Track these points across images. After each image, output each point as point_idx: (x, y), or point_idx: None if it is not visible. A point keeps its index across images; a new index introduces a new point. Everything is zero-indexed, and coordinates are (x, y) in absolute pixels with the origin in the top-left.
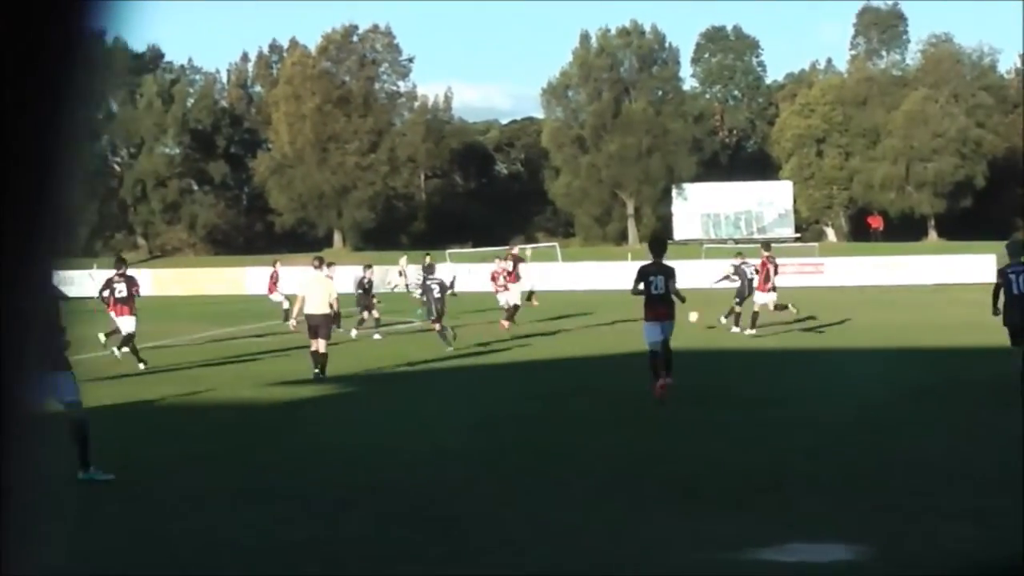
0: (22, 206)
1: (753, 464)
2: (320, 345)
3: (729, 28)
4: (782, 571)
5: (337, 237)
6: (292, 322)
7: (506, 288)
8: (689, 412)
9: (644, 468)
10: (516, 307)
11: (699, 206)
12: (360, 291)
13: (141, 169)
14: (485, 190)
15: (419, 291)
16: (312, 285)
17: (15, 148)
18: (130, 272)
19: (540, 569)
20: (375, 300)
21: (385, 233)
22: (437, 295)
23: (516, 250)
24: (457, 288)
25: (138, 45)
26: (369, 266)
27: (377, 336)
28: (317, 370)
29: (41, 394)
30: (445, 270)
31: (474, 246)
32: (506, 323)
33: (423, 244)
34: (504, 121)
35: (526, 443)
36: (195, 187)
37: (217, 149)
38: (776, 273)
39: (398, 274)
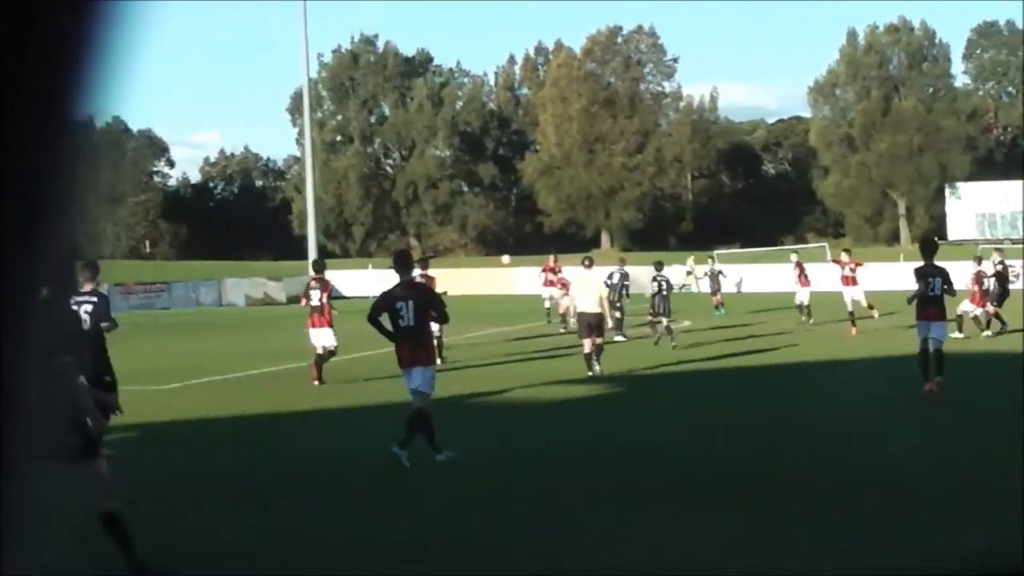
0: (19, 214)
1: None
2: (594, 343)
3: (1002, 23)
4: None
5: (605, 237)
6: (572, 321)
7: (806, 282)
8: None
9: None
10: (852, 311)
11: (974, 205)
12: (612, 289)
13: (413, 171)
14: (752, 190)
15: (656, 285)
16: (583, 285)
17: (11, 152)
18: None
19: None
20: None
21: (652, 233)
22: (664, 292)
23: (844, 257)
24: (744, 289)
25: (408, 49)
26: (622, 261)
27: (619, 338)
28: (591, 372)
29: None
30: (734, 271)
31: (742, 247)
32: (854, 330)
33: (690, 245)
34: (771, 120)
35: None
36: (465, 188)
37: (486, 151)
38: (990, 285)
39: (686, 273)
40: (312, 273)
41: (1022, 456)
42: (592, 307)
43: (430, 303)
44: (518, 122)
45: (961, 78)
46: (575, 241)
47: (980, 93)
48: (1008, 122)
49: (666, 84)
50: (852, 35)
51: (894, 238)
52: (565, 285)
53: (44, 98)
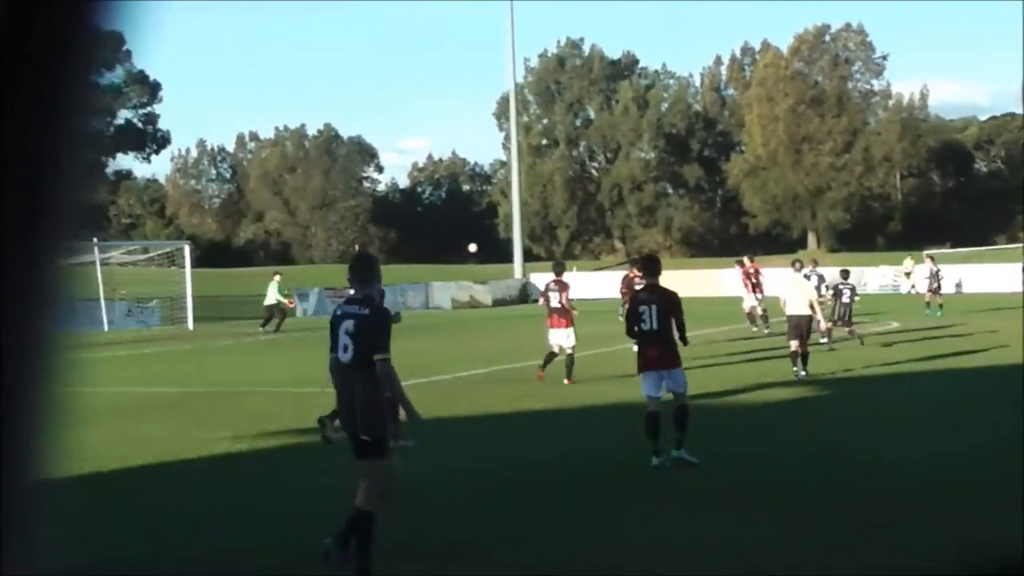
0: (21, 208)
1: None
2: (801, 345)
3: None
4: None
5: (811, 238)
6: (766, 329)
7: None
8: None
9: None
10: None
11: None
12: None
13: (618, 174)
14: (963, 189)
15: (830, 293)
16: (792, 287)
17: (13, 147)
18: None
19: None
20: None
21: (860, 234)
22: (846, 300)
23: None
24: (965, 289)
25: (614, 51)
26: (815, 262)
27: (824, 340)
28: (796, 369)
29: (648, 389)
30: (953, 272)
31: (952, 246)
32: None
33: (899, 245)
34: (983, 118)
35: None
36: (670, 190)
37: (691, 152)
38: None
39: (904, 274)
40: (552, 275)
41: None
42: (801, 309)
43: (674, 309)
44: (723, 123)
45: None
46: (781, 242)
47: None
48: None
49: (875, 82)
50: None
51: None
52: (745, 285)
53: (44, 99)
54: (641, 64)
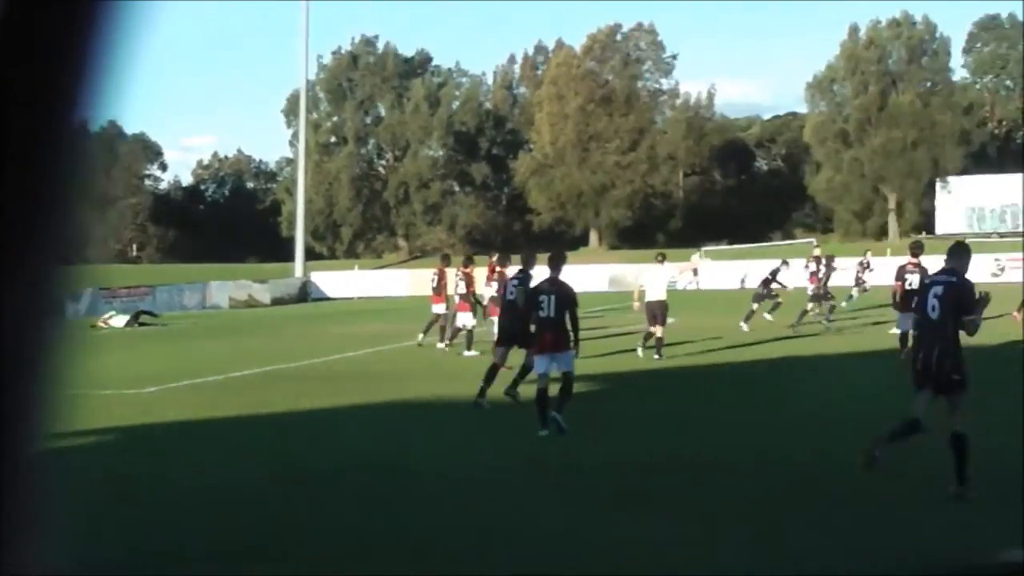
0: (21, 214)
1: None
2: (655, 329)
3: (1004, 16)
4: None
5: (593, 236)
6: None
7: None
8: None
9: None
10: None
11: (964, 199)
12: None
13: (405, 172)
14: (744, 187)
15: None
16: (653, 277)
17: (13, 154)
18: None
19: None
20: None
21: (640, 231)
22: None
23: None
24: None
25: (408, 49)
26: (785, 262)
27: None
28: (657, 356)
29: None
30: (736, 269)
31: (730, 243)
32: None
33: (679, 242)
34: (766, 116)
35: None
36: (456, 188)
37: (480, 151)
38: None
39: (692, 271)
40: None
41: (1022, 456)
42: (658, 296)
43: None
44: (514, 121)
45: (960, 72)
46: (564, 239)
47: (978, 87)
48: (1004, 116)
49: (664, 81)
50: (854, 30)
51: (882, 233)
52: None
53: (41, 103)
54: (435, 62)
